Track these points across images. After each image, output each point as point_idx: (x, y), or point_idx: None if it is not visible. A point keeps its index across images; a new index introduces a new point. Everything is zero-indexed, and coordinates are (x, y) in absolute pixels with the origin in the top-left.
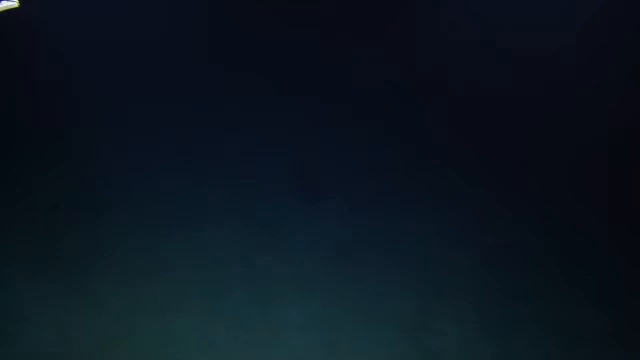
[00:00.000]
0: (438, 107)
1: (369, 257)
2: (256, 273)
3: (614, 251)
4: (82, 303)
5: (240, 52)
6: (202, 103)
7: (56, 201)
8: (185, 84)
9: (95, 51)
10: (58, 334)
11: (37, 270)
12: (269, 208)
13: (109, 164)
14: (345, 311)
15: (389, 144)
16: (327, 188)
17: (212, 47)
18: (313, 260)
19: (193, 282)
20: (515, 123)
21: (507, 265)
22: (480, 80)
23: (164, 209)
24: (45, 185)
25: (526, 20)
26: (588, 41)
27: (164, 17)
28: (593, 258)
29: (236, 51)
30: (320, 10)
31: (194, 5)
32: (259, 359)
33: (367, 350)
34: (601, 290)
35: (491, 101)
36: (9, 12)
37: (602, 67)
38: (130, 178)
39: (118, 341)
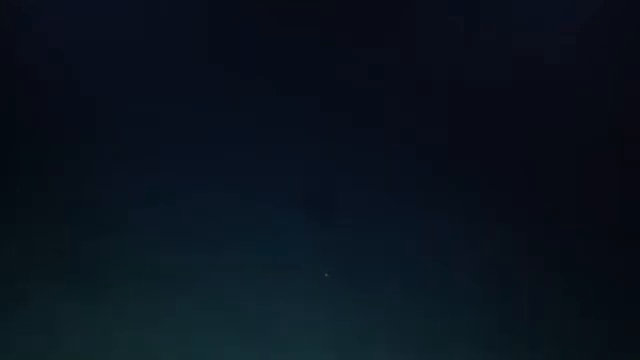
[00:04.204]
0: (438, 108)
1: (374, 275)
2: (269, 289)
3: (614, 253)
4: (105, 321)
5: (240, 52)
6: (202, 103)
7: (63, 246)
8: (185, 84)
9: (95, 51)
10: (83, 349)
11: (66, 291)
12: (279, 230)
13: (110, 167)
14: (354, 327)
15: (389, 149)
16: (333, 205)
17: (212, 47)
18: (323, 277)
19: (209, 299)
20: (515, 123)
21: (508, 272)
22: (480, 80)
23: (180, 224)
24: (47, 190)
25: (526, 20)
26: (588, 41)
27: (164, 17)
28: (593, 261)
29: (236, 51)
30: (320, 10)
31: (194, 5)
32: None
33: None
34: (602, 297)
35: (491, 101)
36: (9, 12)
37: (602, 67)
38: (132, 180)
39: (141, 357)
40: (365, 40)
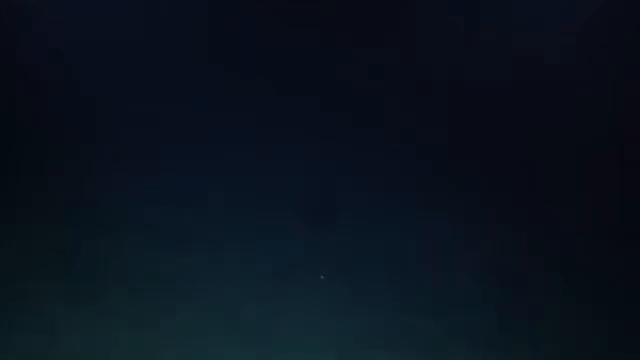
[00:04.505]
0: (438, 108)
1: (374, 275)
2: (269, 289)
3: (614, 253)
4: (105, 321)
5: (240, 52)
6: (202, 103)
7: (64, 247)
8: (185, 84)
9: (95, 51)
10: (83, 349)
11: (66, 291)
12: (279, 230)
13: (110, 167)
14: (354, 328)
15: (389, 149)
16: (333, 205)
17: (212, 47)
18: (323, 282)
19: (210, 303)
20: (515, 123)
21: (508, 272)
22: (480, 80)
23: (180, 224)
24: (47, 189)
25: (526, 20)
26: (588, 41)
27: (164, 17)
28: (593, 261)
29: (236, 51)
30: (320, 10)
31: (194, 5)
32: None
33: None
34: (602, 297)
35: (491, 101)
36: (9, 12)
37: (602, 67)
38: (132, 180)
39: (141, 356)
40: (365, 40)
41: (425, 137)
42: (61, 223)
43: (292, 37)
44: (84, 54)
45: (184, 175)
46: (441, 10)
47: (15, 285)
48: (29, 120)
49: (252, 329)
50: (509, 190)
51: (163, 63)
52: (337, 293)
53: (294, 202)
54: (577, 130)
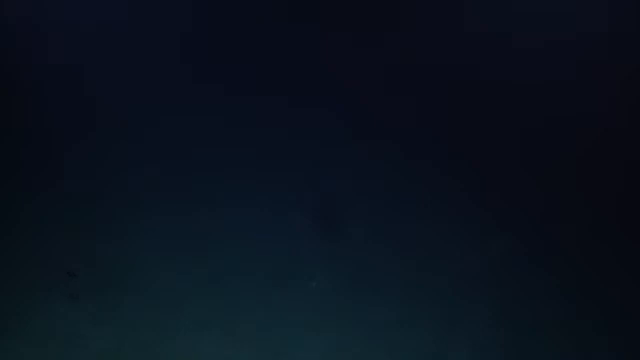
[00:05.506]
0: (438, 108)
1: (383, 285)
2: (275, 301)
3: (614, 253)
4: (112, 325)
5: (240, 52)
6: (202, 103)
7: (73, 268)
8: (185, 84)
9: (95, 52)
10: (89, 354)
11: (71, 292)
12: (285, 235)
13: (111, 169)
14: (363, 338)
15: (389, 149)
16: (333, 207)
17: (212, 47)
18: (330, 287)
19: (209, 304)
20: (515, 123)
21: (508, 272)
22: (480, 80)
23: (181, 227)
24: (48, 190)
25: (526, 20)
26: (588, 42)
27: (164, 18)
28: (593, 261)
29: (236, 51)
30: (320, 10)
31: (194, 5)
32: None
33: None
34: (601, 296)
35: (491, 101)
36: (8, 12)
37: (602, 67)
38: (132, 181)
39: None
40: (365, 40)
41: (425, 137)
42: (61, 224)
43: (292, 37)
44: (84, 54)
45: (183, 175)
46: (441, 10)
47: (19, 297)
48: (29, 120)
49: (252, 330)
50: (508, 190)
51: (163, 63)
52: (337, 294)
53: (293, 204)
54: (577, 130)
